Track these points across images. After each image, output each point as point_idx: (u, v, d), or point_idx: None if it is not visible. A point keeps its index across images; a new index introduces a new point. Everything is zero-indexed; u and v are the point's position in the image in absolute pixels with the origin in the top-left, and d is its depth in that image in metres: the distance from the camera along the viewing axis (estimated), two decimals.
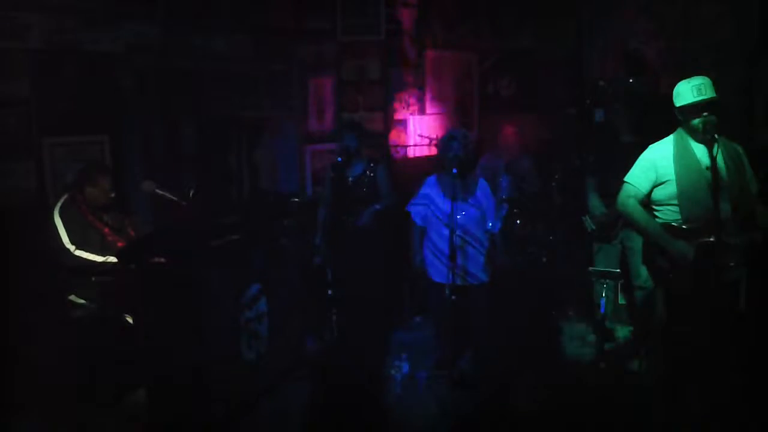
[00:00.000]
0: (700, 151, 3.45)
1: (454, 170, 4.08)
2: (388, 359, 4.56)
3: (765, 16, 6.04)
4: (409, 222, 4.44)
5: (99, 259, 3.91)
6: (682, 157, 3.48)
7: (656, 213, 3.59)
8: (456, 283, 4.07)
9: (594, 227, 4.78)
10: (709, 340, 3.42)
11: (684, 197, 3.44)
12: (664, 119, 3.70)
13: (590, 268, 4.60)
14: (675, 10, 6.56)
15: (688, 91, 3.43)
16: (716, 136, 3.37)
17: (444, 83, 6.95)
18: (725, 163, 3.44)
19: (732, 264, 3.41)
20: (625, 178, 3.66)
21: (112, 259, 3.91)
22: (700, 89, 3.40)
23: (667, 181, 3.50)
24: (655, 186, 3.55)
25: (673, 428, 3.55)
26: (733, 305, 3.57)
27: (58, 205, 3.98)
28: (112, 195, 4.06)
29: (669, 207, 3.52)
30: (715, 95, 3.40)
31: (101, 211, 4.07)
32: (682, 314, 3.51)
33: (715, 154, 3.33)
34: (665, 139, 3.61)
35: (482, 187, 4.36)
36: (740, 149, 3.55)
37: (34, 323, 3.89)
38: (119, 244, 3.98)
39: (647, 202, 3.60)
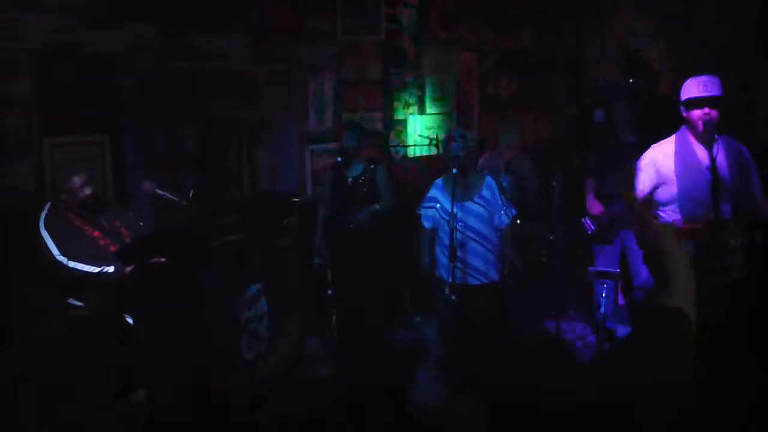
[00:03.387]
0: (701, 150, 3.44)
1: (454, 170, 4.09)
2: (388, 359, 4.55)
3: (765, 16, 6.04)
4: (419, 225, 4.44)
5: (95, 270, 3.84)
6: (683, 156, 3.47)
7: (661, 213, 3.58)
8: (467, 283, 4.06)
9: (593, 229, 4.78)
10: (710, 339, 3.42)
11: (684, 197, 3.44)
12: (664, 119, 3.70)
13: (590, 268, 4.60)
14: (675, 10, 6.57)
15: (693, 86, 3.43)
16: (717, 135, 3.36)
17: (444, 83, 6.95)
18: (728, 163, 3.42)
19: (732, 264, 3.40)
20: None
21: (109, 269, 3.85)
22: (705, 85, 3.39)
23: (668, 180, 3.49)
24: (656, 185, 3.55)
25: (673, 426, 3.55)
26: (733, 305, 3.57)
27: (42, 217, 3.84)
28: (87, 192, 3.92)
29: (671, 207, 3.51)
30: (719, 94, 3.39)
31: (90, 212, 3.96)
32: (683, 313, 3.51)
33: (715, 153, 3.32)
34: (668, 138, 3.60)
35: (489, 184, 4.34)
36: (745, 150, 3.54)
37: (34, 323, 3.88)
38: (112, 248, 3.88)
39: (649, 199, 3.60)
